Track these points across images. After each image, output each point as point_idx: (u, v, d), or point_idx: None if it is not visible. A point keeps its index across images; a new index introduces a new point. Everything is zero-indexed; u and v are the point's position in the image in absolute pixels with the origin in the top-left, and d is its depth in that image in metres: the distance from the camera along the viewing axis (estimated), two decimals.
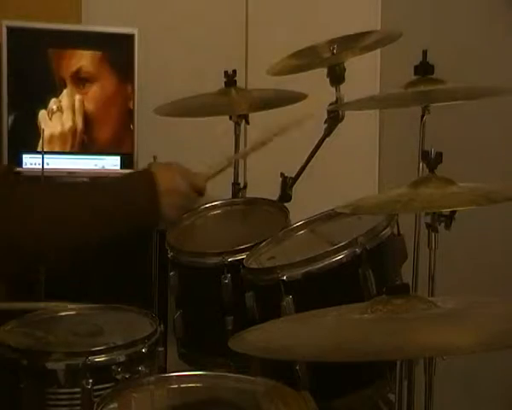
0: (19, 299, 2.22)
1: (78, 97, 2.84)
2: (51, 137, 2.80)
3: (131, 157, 2.93)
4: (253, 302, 2.03)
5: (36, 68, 2.86)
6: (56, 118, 2.79)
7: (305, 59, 2.52)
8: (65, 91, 2.82)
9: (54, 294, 2.25)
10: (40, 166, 2.32)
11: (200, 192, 2.00)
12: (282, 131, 2.15)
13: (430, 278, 1.88)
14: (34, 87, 2.85)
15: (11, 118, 2.83)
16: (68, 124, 2.81)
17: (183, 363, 2.31)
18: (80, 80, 2.83)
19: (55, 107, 2.74)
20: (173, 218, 1.98)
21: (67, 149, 2.85)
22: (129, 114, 2.92)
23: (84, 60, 2.83)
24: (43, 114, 2.80)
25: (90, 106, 2.87)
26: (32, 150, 2.83)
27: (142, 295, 2.55)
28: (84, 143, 2.87)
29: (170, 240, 2.36)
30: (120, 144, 2.93)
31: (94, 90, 2.87)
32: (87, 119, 2.88)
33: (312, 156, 2.51)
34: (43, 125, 2.76)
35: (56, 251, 1.69)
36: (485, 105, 2.58)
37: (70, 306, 2.18)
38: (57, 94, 2.83)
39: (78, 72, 2.83)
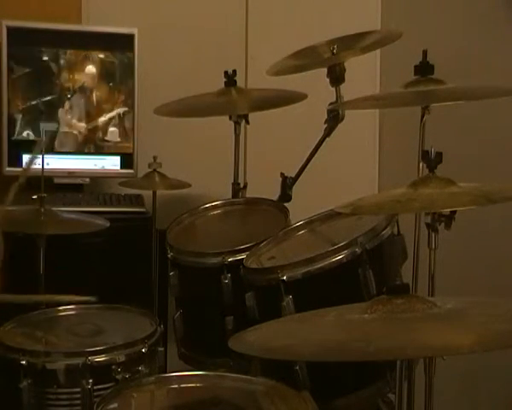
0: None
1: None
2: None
3: (131, 157, 2.93)
4: (253, 302, 2.03)
5: (36, 68, 2.86)
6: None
7: (305, 59, 2.52)
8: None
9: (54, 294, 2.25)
10: (40, 167, 2.31)
11: None
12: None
13: (430, 278, 1.88)
14: (34, 87, 2.86)
15: (11, 118, 2.83)
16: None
17: (183, 363, 2.32)
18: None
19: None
20: None
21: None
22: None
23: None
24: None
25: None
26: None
27: (142, 295, 2.55)
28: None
29: (170, 240, 2.36)
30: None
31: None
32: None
33: (312, 156, 2.51)
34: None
35: None
36: (486, 105, 2.57)
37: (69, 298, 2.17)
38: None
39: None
